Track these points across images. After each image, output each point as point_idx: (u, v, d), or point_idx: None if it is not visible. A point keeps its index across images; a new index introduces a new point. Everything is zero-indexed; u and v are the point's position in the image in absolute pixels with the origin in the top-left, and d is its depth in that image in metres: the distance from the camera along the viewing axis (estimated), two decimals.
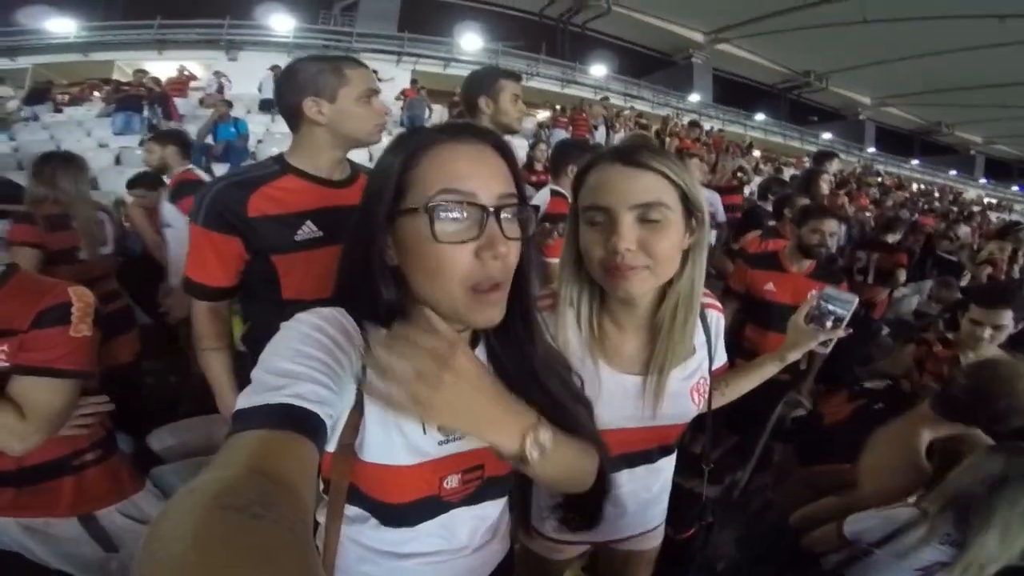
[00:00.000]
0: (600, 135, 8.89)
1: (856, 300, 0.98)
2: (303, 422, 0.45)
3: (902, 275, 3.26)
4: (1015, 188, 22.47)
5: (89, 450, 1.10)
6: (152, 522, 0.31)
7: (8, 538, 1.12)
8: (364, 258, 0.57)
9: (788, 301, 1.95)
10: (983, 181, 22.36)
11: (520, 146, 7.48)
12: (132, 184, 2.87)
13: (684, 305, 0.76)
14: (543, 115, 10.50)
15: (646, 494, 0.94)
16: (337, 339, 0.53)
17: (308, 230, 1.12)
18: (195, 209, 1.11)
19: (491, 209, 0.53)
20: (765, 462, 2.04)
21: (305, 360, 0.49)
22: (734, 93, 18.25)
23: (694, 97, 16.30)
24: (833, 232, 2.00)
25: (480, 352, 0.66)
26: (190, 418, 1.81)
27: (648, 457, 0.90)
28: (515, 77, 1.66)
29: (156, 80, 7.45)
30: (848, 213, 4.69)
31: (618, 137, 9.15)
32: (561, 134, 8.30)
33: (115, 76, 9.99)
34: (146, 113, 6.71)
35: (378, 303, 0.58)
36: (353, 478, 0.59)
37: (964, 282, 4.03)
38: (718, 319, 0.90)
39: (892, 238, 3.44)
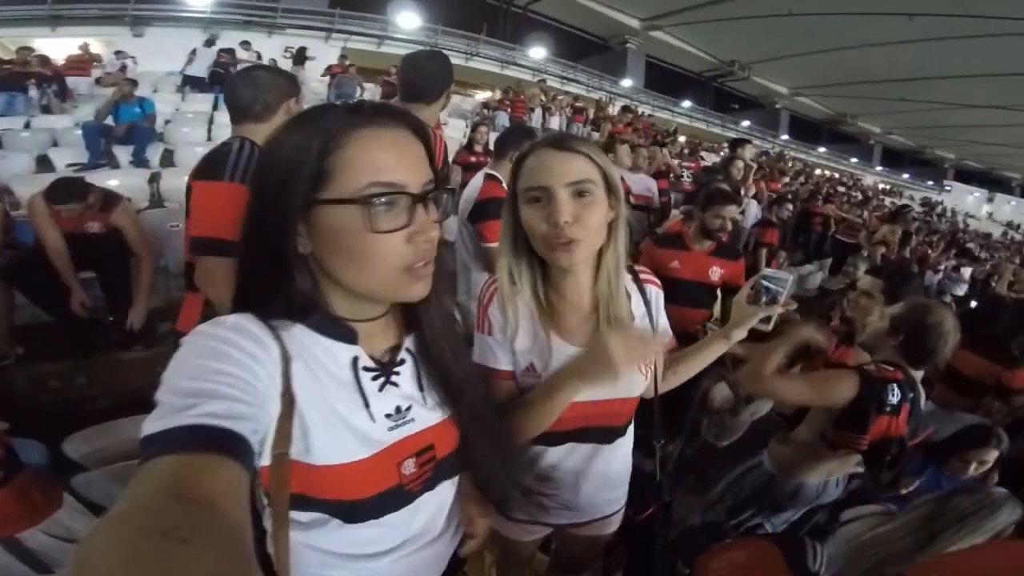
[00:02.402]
0: (536, 117, 8.95)
1: (791, 278, 1.05)
2: (220, 442, 0.43)
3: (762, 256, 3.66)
4: (906, 175, 25.29)
5: None
6: (75, 556, 0.29)
7: None
8: (274, 249, 0.55)
9: (690, 277, 2.14)
10: (879, 168, 24.93)
11: (456, 127, 7.40)
12: (58, 198, 2.45)
13: (614, 272, 0.85)
14: (482, 95, 10.38)
15: (602, 476, 0.97)
16: (247, 348, 0.51)
17: None
18: (228, 169, 1.25)
19: (419, 196, 0.55)
20: (693, 435, 2.19)
21: (214, 376, 0.47)
22: (664, 80, 18.94)
23: (626, 82, 16.74)
24: (733, 217, 2.19)
25: (410, 341, 0.67)
26: (105, 423, 1.69)
27: (602, 436, 0.93)
28: (450, 84, 1.75)
29: (44, 59, 6.62)
30: (764, 195, 5.12)
31: (554, 120, 9.27)
32: (503, 116, 8.29)
33: None
34: (32, 93, 5.97)
35: (290, 296, 0.56)
36: (304, 486, 0.57)
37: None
38: (657, 293, 0.96)
39: (779, 214, 4.00)
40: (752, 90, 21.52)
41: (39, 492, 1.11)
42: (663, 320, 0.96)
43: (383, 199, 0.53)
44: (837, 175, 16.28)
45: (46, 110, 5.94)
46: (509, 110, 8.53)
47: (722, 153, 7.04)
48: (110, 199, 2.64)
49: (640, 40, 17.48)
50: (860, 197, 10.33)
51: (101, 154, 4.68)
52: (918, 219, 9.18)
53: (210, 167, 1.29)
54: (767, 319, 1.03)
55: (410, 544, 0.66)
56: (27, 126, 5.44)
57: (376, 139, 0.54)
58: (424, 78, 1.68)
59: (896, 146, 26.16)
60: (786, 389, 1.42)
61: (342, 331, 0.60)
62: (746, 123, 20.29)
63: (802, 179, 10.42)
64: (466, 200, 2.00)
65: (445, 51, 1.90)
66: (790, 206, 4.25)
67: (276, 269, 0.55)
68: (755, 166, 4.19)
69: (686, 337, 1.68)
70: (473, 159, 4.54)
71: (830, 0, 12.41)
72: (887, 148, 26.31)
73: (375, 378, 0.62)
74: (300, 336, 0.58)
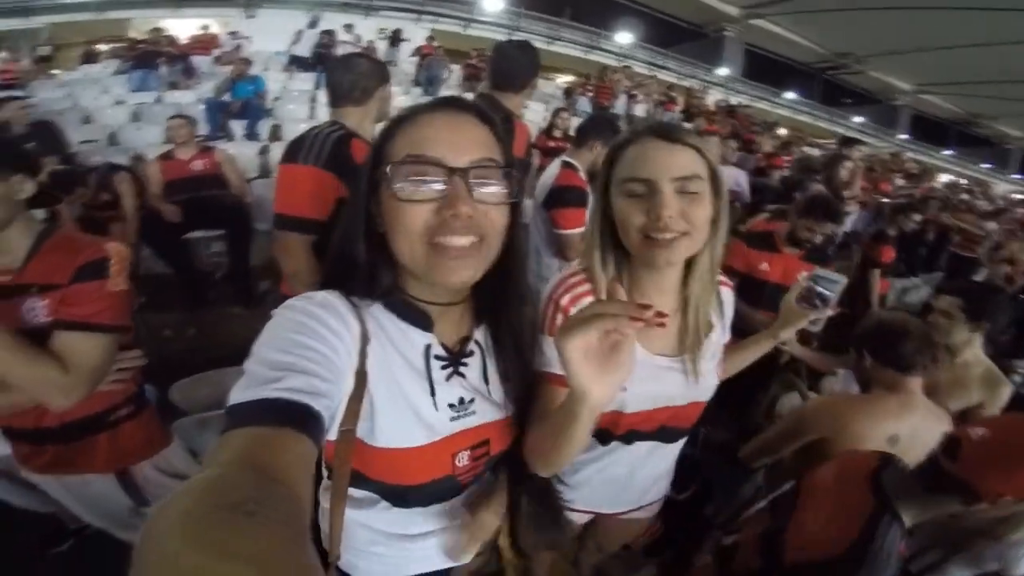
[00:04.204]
0: (621, 104, 8.63)
1: (844, 281, 1.02)
2: (297, 416, 0.44)
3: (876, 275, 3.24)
4: None
5: (123, 405, 1.13)
6: (147, 520, 0.31)
7: (47, 498, 1.17)
8: (355, 229, 0.58)
9: (778, 280, 2.01)
10: (1017, 176, 21.51)
11: (536, 110, 7.33)
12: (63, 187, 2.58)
13: (709, 275, 0.79)
14: (563, 80, 10.16)
15: (658, 472, 0.96)
16: (331, 325, 0.53)
17: None
18: (306, 153, 1.35)
19: (459, 169, 0.54)
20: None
21: (298, 350, 0.49)
22: (765, 69, 17.41)
23: (722, 71, 15.66)
24: (828, 234, 2.02)
25: (479, 334, 0.67)
26: (209, 371, 1.88)
27: (674, 436, 0.92)
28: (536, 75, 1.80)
29: (172, 39, 7.40)
30: (869, 199, 4.60)
31: (639, 108, 8.88)
32: (584, 102, 8.09)
33: (131, 34, 9.83)
34: (162, 71, 6.66)
35: (373, 274, 0.59)
36: (362, 465, 0.59)
37: (979, 278, 3.95)
38: (728, 294, 0.92)
39: (892, 230, 3.48)
40: (868, 84, 19.25)
41: (156, 428, 1.23)
42: (729, 324, 0.94)
43: (411, 168, 0.54)
44: (964, 181, 14.23)
45: (173, 86, 6.57)
46: (592, 95, 8.29)
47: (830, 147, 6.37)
48: (115, 169, 3.02)
49: (739, 28, 16.21)
50: (988, 207, 8.96)
51: (219, 127, 5.19)
52: None
53: (291, 151, 1.40)
54: (815, 321, 1.02)
55: (451, 529, 0.68)
56: (158, 101, 6.11)
57: (423, 121, 0.56)
58: (512, 68, 1.73)
59: None
60: (769, 442, 1.37)
61: (418, 316, 0.62)
62: (858, 119, 18.23)
63: (924, 184, 9.17)
64: (542, 186, 2.02)
65: (527, 35, 1.91)
66: (918, 216, 3.61)
67: (357, 246, 0.58)
68: (863, 167, 3.74)
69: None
70: (552, 144, 4.49)
71: None
72: None
73: (444, 367, 0.63)
74: (380, 317, 0.60)
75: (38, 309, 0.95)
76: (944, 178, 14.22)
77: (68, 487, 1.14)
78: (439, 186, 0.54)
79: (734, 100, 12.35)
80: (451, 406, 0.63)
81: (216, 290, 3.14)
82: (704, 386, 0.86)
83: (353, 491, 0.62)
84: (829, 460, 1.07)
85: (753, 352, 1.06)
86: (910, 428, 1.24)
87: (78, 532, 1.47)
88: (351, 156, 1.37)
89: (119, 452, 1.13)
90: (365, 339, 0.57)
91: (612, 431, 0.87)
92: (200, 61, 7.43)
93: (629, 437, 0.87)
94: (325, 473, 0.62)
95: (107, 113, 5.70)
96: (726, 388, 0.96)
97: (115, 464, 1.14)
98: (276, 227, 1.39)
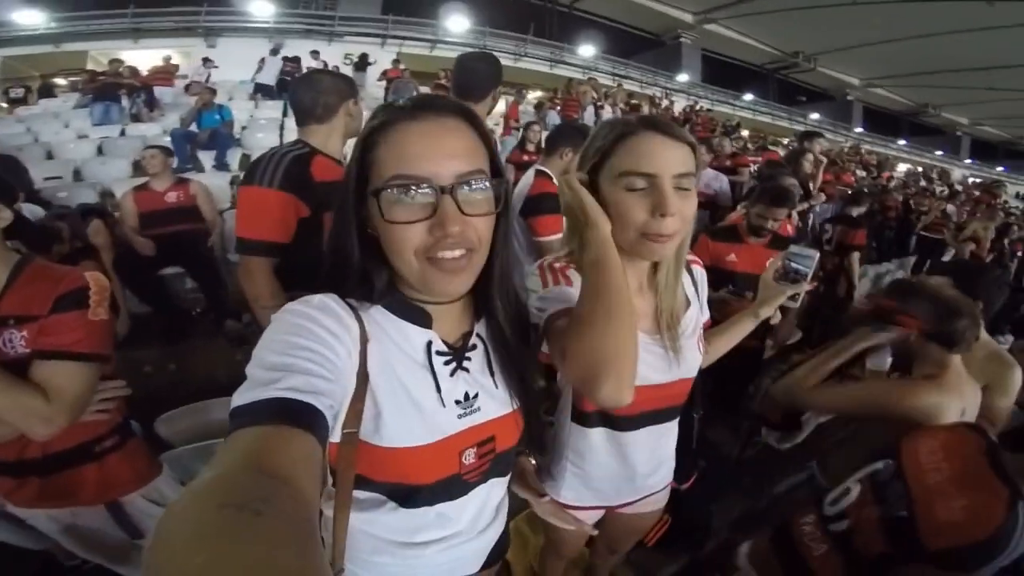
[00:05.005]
0: (589, 115, 8.84)
1: (817, 255, 1.06)
2: (300, 415, 0.45)
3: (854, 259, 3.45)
4: (1000, 168, 22.67)
5: (108, 436, 1.11)
6: (156, 524, 0.31)
7: (35, 532, 1.13)
8: (345, 236, 0.59)
9: (749, 270, 2.08)
10: (968, 161, 22.60)
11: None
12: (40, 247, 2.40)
13: (678, 262, 0.83)
14: (533, 96, 10.37)
15: (659, 453, 0.98)
16: (329, 326, 0.54)
17: None
18: (261, 174, 1.32)
19: (447, 188, 0.54)
20: (752, 437, 2.10)
21: (298, 351, 0.49)
22: (723, 73, 18.09)
23: (682, 77, 16.17)
24: (779, 219, 2.12)
25: (480, 327, 0.68)
26: (193, 403, 1.84)
27: (666, 415, 0.94)
28: (497, 85, 1.80)
29: (133, 70, 7.28)
30: (833, 190, 4.80)
31: (606, 115, 9.11)
32: (554, 116, 8.26)
33: (89, 66, 9.67)
34: (125, 103, 6.54)
35: (369, 278, 0.59)
36: (367, 466, 0.59)
37: (947, 258, 4.14)
38: (701, 273, 0.96)
39: (856, 211, 3.66)
40: (820, 82, 20.16)
41: (144, 458, 1.21)
42: (705, 301, 0.97)
43: (399, 191, 0.54)
44: (921, 168, 14.94)
45: (136, 119, 6.45)
46: (559, 109, 8.48)
47: (791, 146, 6.64)
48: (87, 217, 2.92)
49: (695, 34, 16.83)
50: (946, 192, 9.40)
51: (188, 158, 5.09)
52: (1015, 214, 8.24)
53: (248, 174, 1.39)
54: (794, 296, 1.05)
55: (456, 537, 0.68)
56: (122, 134, 5.99)
57: (407, 132, 0.55)
58: (471, 79, 1.74)
59: (988, 137, 23.65)
60: (832, 402, 1.31)
61: (417, 314, 0.62)
62: (815, 116, 18.99)
63: (886, 174, 9.57)
64: (517, 196, 2.04)
65: (494, 52, 1.95)
66: (863, 208, 3.83)
67: (348, 252, 0.59)
68: (825, 160, 3.92)
69: None
70: (526, 158, 4.54)
71: None
72: (977, 139, 23.84)
73: (447, 362, 0.63)
74: (378, 318, 0.60)
75: (16, 341, 0.93)
76: (902, 167, 14.86)
77: (57, 521, 1.11)
78: (429, 203, 0.54)
79: (699, 105, 12.71)
80: (457, 402, 0.63)
81: (195, 325, 3.07)
82: (687, 362, 0.88)
83: (358, 493, 0.61)
84: (912, 435, 1.05)
85: (737, 331, 1.07)
86: (970, 401, 1.25)
87: (75, 570, 1.41)
88: (310, 174, 1.35)
89: (107, 484, 1.11)
90: (364, 340, 0.58)
91: (606, 417, 0.89)
92: (163, 92, 7.34)
93: (623, 422, 0.89)
94: (329, 480, 0.61)
95: (70, 148, 5.55)
96: (717, 386, 0.98)
97: (104, 496, 1.11)
98: (237, 251, 1.37)
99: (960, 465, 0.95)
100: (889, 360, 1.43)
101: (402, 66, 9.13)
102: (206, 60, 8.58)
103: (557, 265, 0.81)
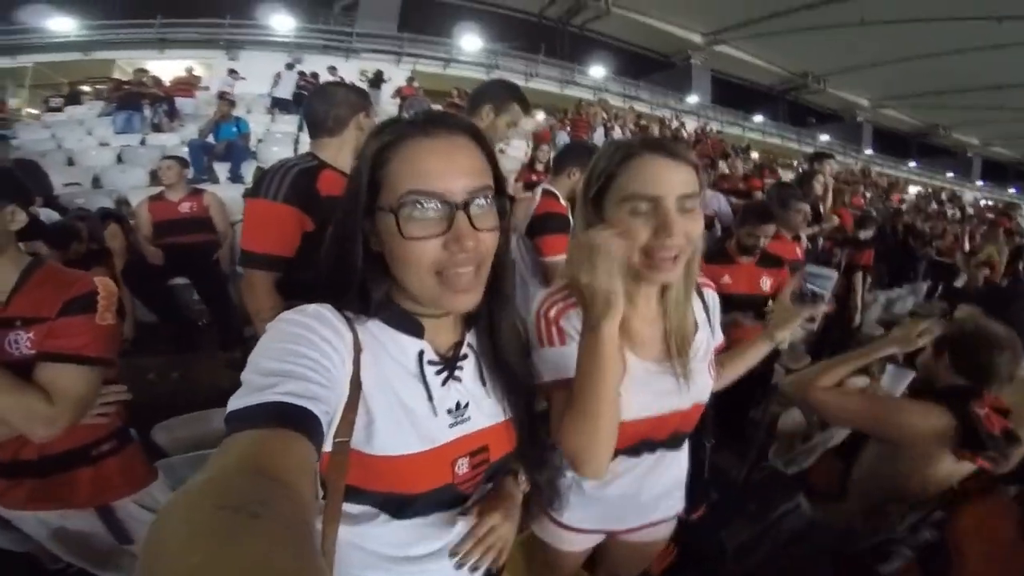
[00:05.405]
0: (599, 136, 8.92)
1: (835, 275, 1.03)
2: (297, 419, 0.45)
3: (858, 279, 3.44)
4: (1011, 190, 22.48)
5: (107, 440, 1.12)
6: (150, 525, 0.30)
7: (19, 534, 1.13)
8: (349, 248, 0.59)
9: (743, 290, 2.06)
10: (980, 183, 22.42)
11: (518, 147, 7.53)
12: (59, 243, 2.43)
13: (687, 285, 0.82)
14: (541, 116, 10.52)
15: (669, 479, 0.95)
16: (325, 336, 0.54)
17: None
18: (267, 187, 1.31)
19: (460, 203, 0.55)
20: (760, 460, 2.07)
21: (294, 358, 0.50)
22: (732, 94, 18.25)
23: (692, 98, 16.30)
24: (769, 235, 2.09)
25: (471, 337, 0.69)
26: (193, 412, 1.84)
27: (676, 442, 0.92)
28: (525, 106, 1.79)
29: (157, 80, 7.46)
30: (850, 219, 4.76)
31: (616, 136, 9.19)
32: (563, 137, 8.35)
33: (115, 75, 9.99)
34: (147, 113, 6.70)
35: (366, 291, 0.60)
36: (359, 476, 0.59)
37: (959, 284, 4.08)
38: (713, 296, 0.94)
39: (864, 234, 3.63)
40: (830, 103, 20.26)
41: (140, 464, 1.21)
42: (718, 325, 0.95)
43: (415, 207, 0.54)
44: (931, 190, 14.83)
45: (156, 128, 6.61)
46: (569, 129, 8.57)
47: (802, 168, 6.64)
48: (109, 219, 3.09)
49: (704, 55, 17.01)
50: (959, 215, 9.31)
51: (204, 169, 5.19)
52: None
53: (255, 186, 1.40)
54: (812, 318, 1.02)
55: (447, 551, 0.66)
56: (142, 143, 6.15)
57: (420, 147, 0.56)
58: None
59: (998, 158, 23.50)
60: (839, 404, 1.28)
61: (410, 324, 0.63)
62: (825, 137, 19.08)
63: (896, 196, 9.51)
64: (524, 215, 2.04)
65: (505, 72, 1.99)
66: (870, 231, 3.79)
67: (352, 266, 0.59)
68: (833, 182, 3.90)
69: None
70: (535, 177, 4.58)
71: (905, 7, 11.58)
72: (988, 160, 23.68)
73: (439, 372, 0.64)
74: (372, 328, 0.61)
75: (21, 342, 0.95)
76: (912, 190, 14.77)
77: (46, 523, 1.10)
78: (443, 219, 0.55)
79: (709, 127, 12.79)
80: (449, 412, 0.64)
81: (202, 336, 3.10)
82: (698, 387, 0.87)
83: (349, 507, 0.60)
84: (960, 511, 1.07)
85: (752, 355, 1.05)
86: None
87: (59, 573, 1.40)
88: (316, 189, 1.33)
89: (101, 487, 1.11)
90: (358, 349, 0.58)
91: (617, 443, 0.87)
92: (184, 103, 7.51)
93: (634, 448, 0.88)
94: (320, 492, 0.60)
95: (91, 155, 5.70)
96: (723, 411, 0.96)
97: (96, 499, 1.11)
98: (240, 263, 1.37)
99: (997, 534, 0.98)
100: (903, 388, 1.42)
101: (416, 84, 9.32)
102: (232, 71, 8.80)
103: (552, 313, 0.79)
